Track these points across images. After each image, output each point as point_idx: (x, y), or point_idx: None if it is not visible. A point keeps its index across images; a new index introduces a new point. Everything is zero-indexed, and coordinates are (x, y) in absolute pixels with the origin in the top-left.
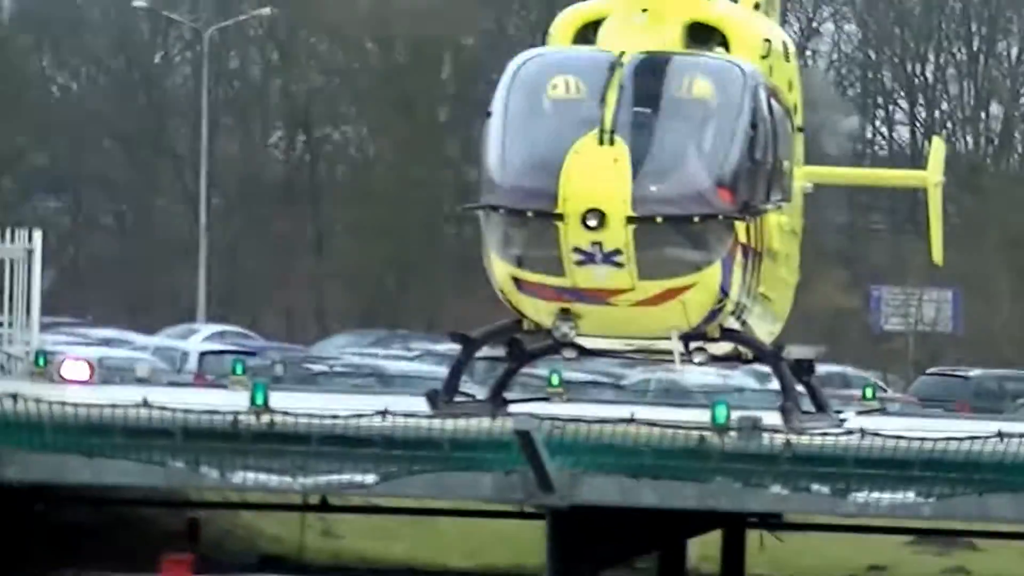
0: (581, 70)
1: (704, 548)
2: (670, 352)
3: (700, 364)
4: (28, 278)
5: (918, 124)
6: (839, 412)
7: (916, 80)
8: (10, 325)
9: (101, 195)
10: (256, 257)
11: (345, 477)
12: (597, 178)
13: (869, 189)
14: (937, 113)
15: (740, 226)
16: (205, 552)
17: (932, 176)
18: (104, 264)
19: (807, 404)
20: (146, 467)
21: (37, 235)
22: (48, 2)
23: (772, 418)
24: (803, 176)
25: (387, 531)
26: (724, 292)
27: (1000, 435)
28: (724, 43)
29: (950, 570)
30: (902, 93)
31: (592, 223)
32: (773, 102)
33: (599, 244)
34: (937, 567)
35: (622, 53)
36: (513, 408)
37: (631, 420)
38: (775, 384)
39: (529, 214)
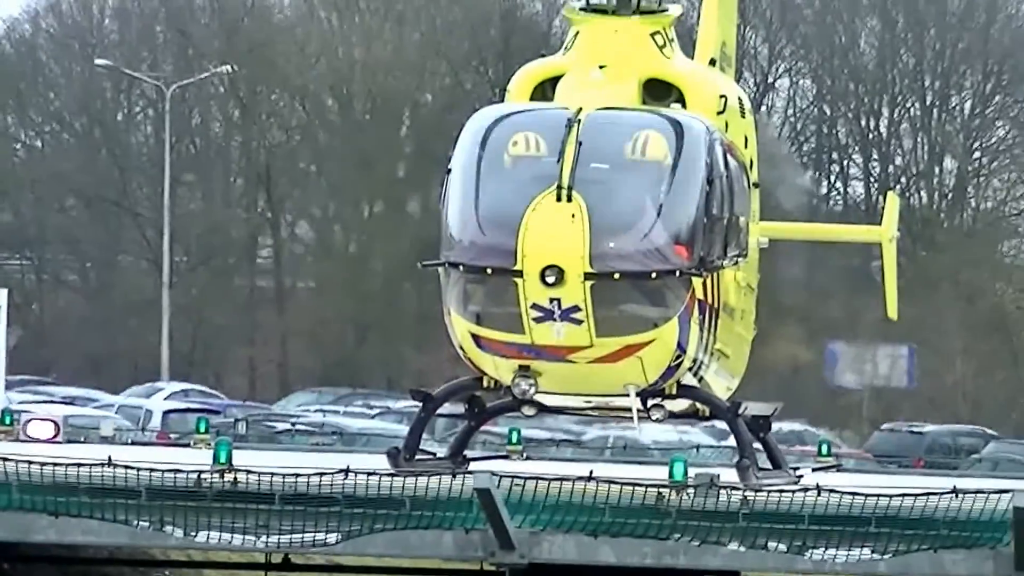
0: (539, 127)
1: None
2: (628, 409)
3: (658, 421)
4: None
5: (872, 179)
6: (796, 469)
7: (870, 135)
8: None
9: (65, 253)
10: (219, 314)
11: (308, 535)
12: (555, 235)
13: (824, 244)
14: (891, 168)
15: (697, 282)
16: None
17: (887, 231)
18: (69, 322)
19: (764, 461)
20: (111, 526)
21: (2, 293)
22: (11, 61)
23: (729, 475)
24: (759, 231)
25: None
26: (681, 348)
27: (955, 491)
28: (680, 99)
29: None
30: (856, 148)
31: (550, 279)
32: (729, 158)
33: (557, 301)
34: None
35: (579, 109)
36: (473, 466)
37: (590, 478)
38: (732, 441)
39: (488, 271)
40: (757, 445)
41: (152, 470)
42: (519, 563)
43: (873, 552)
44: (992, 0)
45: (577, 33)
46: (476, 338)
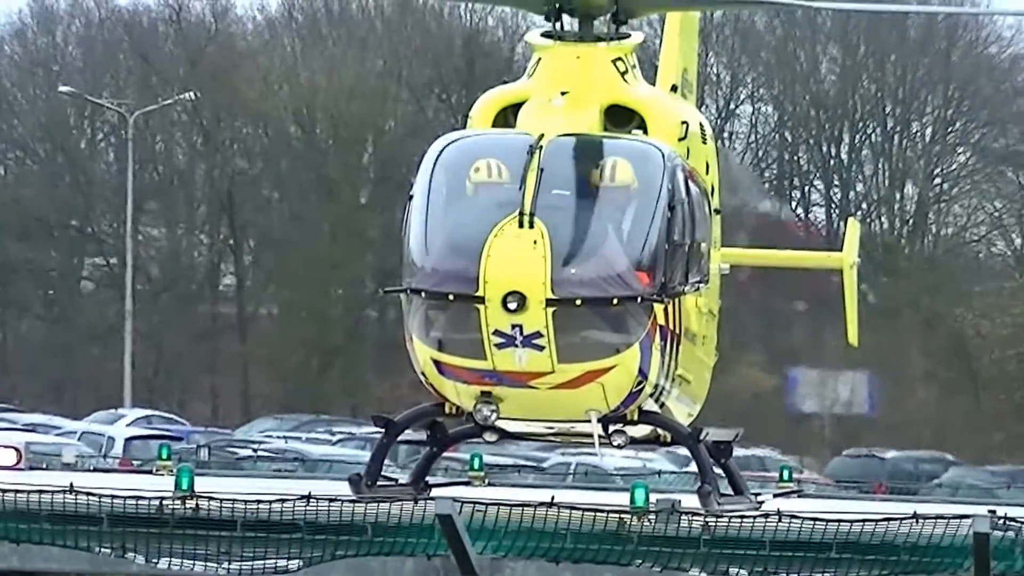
0: (501, 153)
1: None
2: (590, 435)
3: (619, 447)
4: None
5: (834, 205)
6: (757, 494)
7: (831, 161)
8: None
9: (28, 280)
10: (181, 341)
11: (269, 562)
12: (517, 261)
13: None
14: (852, 194)
15: (659, 308)
16: None
17: (847, 257)
18: (31, 349)
19: (725, 487)
20: (72, 553)
21: None
22: None
23: (691, 501)
24: (720, 257)
25: None
26: (643, 374)
27: (916, 517)
28: (642, 125)
29: None
30: (818, 174)
31: (512, 306)
32: (691, 184)
33: (519, 327)
34: None
35: (541, 136)
36: (435, 492)
37: (552, 504)
38: (694, 467)
39: (450, 297)
40: (719, 471)
41: (114, 497)
42: None
43: None
44: (952, 26)
45: (539, 60)
46: (438, 364)
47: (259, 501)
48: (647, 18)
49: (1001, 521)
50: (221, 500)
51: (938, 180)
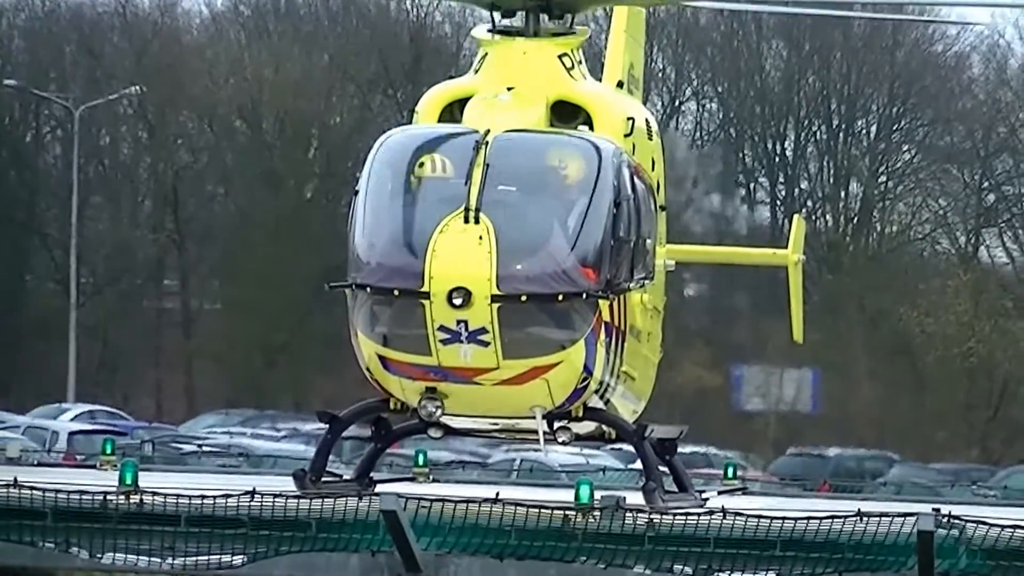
0: (447, 148)
1: None
2: (535, 431)
3: (564, 444)
4: None
5: (778, 202)
6: (701, 492)
7: (776, 158)
8: None
9: None
10: (126, 336)
11: (213, 557)
12: (462, 257)
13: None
14: (797, 191)
15: (604, 304)
16: None
17: (792, 254)
18: None
19: (670, 484)
20: (16, 547)
21: None
22: None
23: (636, 498)
24: (665, 254)
25: None
26: (588, 371)
27: (860, 514)
28: (588, 121)
29: None
30: (763, 171)
31: (457, 301)
32: (636, 180)
33: (464, 323)
34: None
35: (487, 131)
36: (380, 488)
37: (496, 500)
38: (639, 464)
39: (395, 293)
40: (663, 468)
41: (58, 491)
42: None
43: (779, 575)
44: (898, 24)
45: (485, 55)
46: (383, 360)
47: (203, 497)
48: (593, 14)
49: (945, 519)
50: (165, 495)
51: (883, 178)
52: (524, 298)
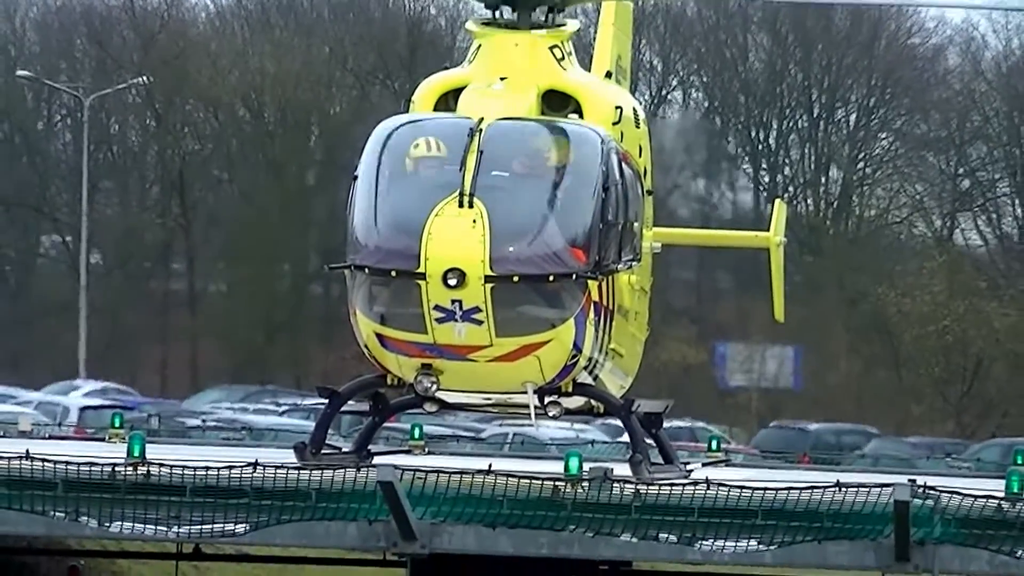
0: (442, 136)
1: None
2: (526, 406)
3: (554, 418)
4: None
5: (761, 188)
6: (686, 463)
7: (760, 146)
8: None
9: None
10: (134, 315)
11: (217, 526)
12: (457, 239)
13: (715, 249)
14: (779, 177)
15: (593, 285)
16: None
17: (774, 237)
18: None
19: (656, 456)
20: (28, 516)
21: None
22: None
23: (623, 469)
24: (652, 237)
25: None
26: (577, 348)
27: (838, 485)
28: (578, 110)
29: None
30: (746, 158)
31: (452, 282)
32: (624, 166)
33: (459, 302)
34: None
35: (481, 119)
36: (377, 460)
37: (489, 471)
38: (626, 437)
39: (392, 274)
40: (649, 441)
41: (68, 463)
42: (420, 553)
43: (760, 543)
44: (878, 18)
45: (479, 47)
46: (380, 337)
47: (208, 468)
48: (583, 7)
49: (921, 490)
50: (171, 467)
51: (862, 164)
52: (516, 279)
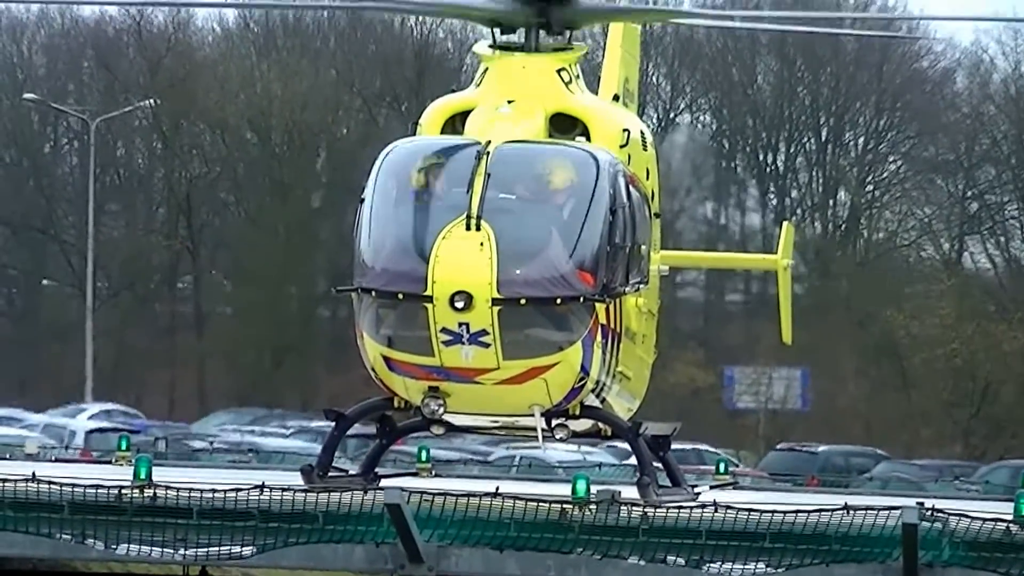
0: (449, 158)
1: None
2: (533, 429)
3: (562, 440)
4: None
5: (769, 211)
6: (694, 486)
7: (768, 169)
8: None
9: None
10: (140, 338)
11: (224, 549)
12: (464, 262)
13: (723, 271)
14: (788, 200)
15: (600, 307)
16: None
17: (782, 259)
18: None
19: (664, 479)
20: (34, 539)
21: None
22: None
23: (630, 492)
24: (660, 259)
25: None
26: (585, 371)
27: (846, 508)
28: (585, 132)
29: None
30: (754, 181)
31: (459, 305)
32: (632, 189)
33: (466, 325)
34: None
35: (488, 142)
36: (384, 482)
37: (496, 494)
38: (633, 460)
39: (400, 296)
40: (657, 463)
41: (75, 485)
42: (427, 575)
43: (768, 566)
44: (886, 41)
45: (487, 69)
46: (387, 360)
47: (214, 490)
48: (590, 30)
49: (929, 512)
50: (178, 489)
51: (870, 187)
52: (523, 301)
